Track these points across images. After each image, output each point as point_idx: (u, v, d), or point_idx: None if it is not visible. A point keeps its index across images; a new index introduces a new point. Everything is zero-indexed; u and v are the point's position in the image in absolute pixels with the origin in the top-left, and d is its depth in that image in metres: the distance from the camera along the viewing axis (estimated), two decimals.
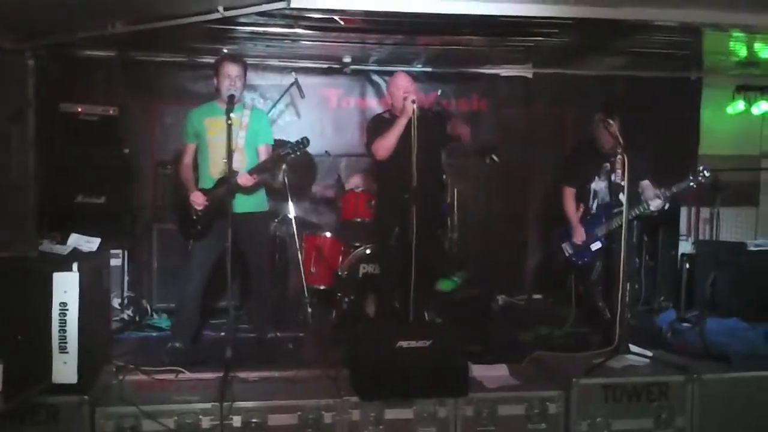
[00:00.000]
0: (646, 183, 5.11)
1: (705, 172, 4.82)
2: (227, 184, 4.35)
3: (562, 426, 3.88)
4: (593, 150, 5.19)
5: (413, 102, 4.51)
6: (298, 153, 4.72)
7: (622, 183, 4.61)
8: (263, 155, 4.75)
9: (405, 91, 4.75)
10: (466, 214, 6.50)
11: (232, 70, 4.57)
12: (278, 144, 4.93)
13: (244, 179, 4.51)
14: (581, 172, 5.33)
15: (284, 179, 5.70)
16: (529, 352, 4.49)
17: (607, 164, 5.14)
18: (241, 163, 4.60)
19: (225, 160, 4.30)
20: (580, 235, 5.26)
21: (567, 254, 5.36)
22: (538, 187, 7.17)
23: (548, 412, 3.86)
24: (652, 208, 4.97)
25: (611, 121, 4.69)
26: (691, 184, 4.86)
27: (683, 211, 6.86)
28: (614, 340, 4.34)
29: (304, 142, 4.64)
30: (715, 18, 5.07)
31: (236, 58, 4.65)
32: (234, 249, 4.25)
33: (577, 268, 5.43)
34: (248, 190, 4.63)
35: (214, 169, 4.62)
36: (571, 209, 5.34)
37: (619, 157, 4.92)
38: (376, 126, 4.96)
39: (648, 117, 6.55)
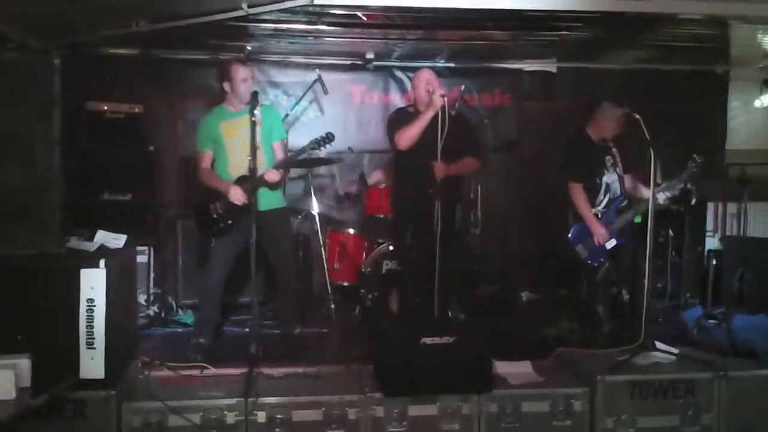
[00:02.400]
0: (628, 176, 5.06)
1: (697, 159, 4.68)
2: (251, 181, 4.38)
3: (587, 423, 3.86)
4: (589, 141, 5.04)
5: (442, 96, 4.50)
6: (323, 148, 4.74)
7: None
8: (278, 151, 4.80)
9: (428, 83, 4.74)
10: (489, 209, 6.47)
11: (246, 72, 4.60)
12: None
13: (271, 175, 4.55)
14: (585, 165, 5.04)
15: (308, 175, 5.73)
16: (553, 348, 4.48)
17: (609, 156, 5.02)
18: (260, 159, 4.62)
19: (249, 158, 4.31)
20: (603, 236, 4.92)
21: (583, 257, 5.05)
22: (561, 182, 7.13)
23: (573, 409, 3.85)
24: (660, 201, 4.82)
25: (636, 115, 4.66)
26: (694, 170, 4.71)
27: (710, 206, 6.78)
28: (640, 337, 4.31)
29: (329, 137, 4.65)
30: (742, 10, 5.00)
31: (245, 59, 4.65)
32: (257, 246, 4.29)
33: (588, 270, 5.11)
34: (274, 186, 4.66)
35: (233, 170, 4.62)
36: (585, 207, 4.97)
37: (615, 149, 5.00)
38: (399, 118, 4.95)
39: (674, 111, 6.49)
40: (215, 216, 4.64)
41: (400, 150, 4.81)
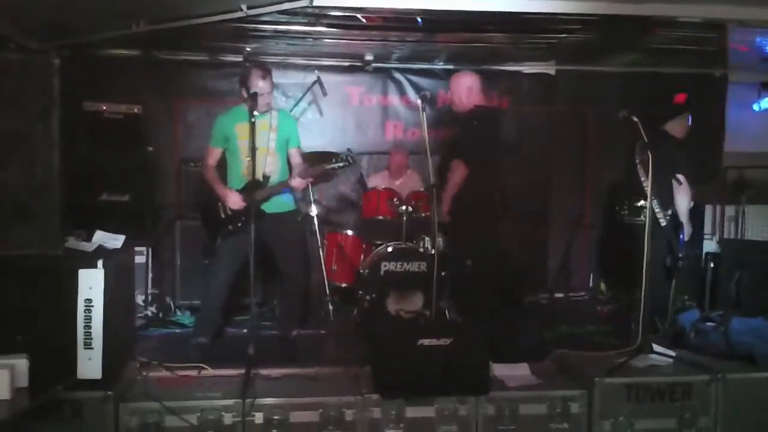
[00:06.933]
0: None
1: None
2: (252, 182, 4.36)
3: (585, 425, 3.87)
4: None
5: None
6: (346, 167, 4.86)
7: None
8: (296, 157, 4.82)
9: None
10: None
11: (267, 87, 4.57)
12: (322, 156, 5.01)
13: (298, 182, 4.63)
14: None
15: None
16: (551, 350, 4.48)
17: None
18: (274, 165, 4.64)
19: (248, 158, 4.29)
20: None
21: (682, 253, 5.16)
22: (561, 185, 7.13)
23: (570, 412, 3.85)
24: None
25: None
26: None
27: (708, 209, 6.77)
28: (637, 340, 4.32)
29: (352, 158, 4.73)
30: (740, 14, 5.02)
31: (266, 74, 4.60)
32: (264, 248, 4.35)
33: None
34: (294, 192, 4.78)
35: (245, 171, 4.62)
36: None
37: None
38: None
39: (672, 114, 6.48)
40: (224, 216, 4.64)
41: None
